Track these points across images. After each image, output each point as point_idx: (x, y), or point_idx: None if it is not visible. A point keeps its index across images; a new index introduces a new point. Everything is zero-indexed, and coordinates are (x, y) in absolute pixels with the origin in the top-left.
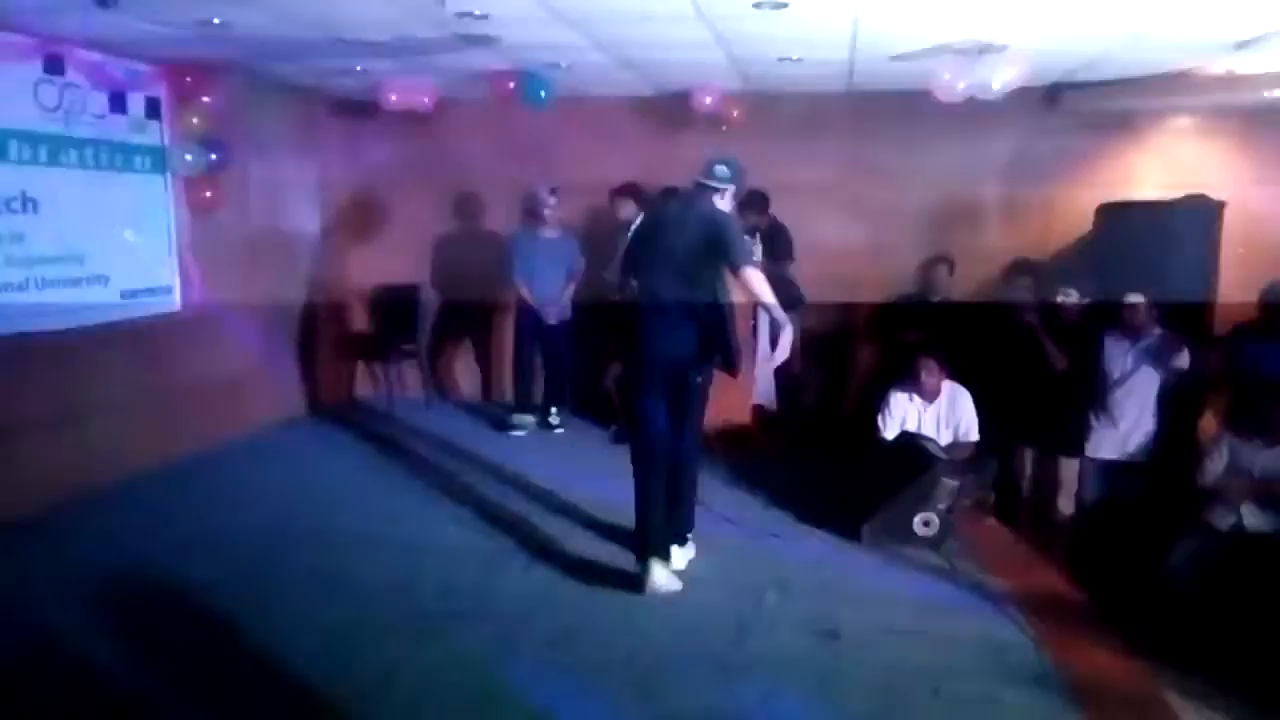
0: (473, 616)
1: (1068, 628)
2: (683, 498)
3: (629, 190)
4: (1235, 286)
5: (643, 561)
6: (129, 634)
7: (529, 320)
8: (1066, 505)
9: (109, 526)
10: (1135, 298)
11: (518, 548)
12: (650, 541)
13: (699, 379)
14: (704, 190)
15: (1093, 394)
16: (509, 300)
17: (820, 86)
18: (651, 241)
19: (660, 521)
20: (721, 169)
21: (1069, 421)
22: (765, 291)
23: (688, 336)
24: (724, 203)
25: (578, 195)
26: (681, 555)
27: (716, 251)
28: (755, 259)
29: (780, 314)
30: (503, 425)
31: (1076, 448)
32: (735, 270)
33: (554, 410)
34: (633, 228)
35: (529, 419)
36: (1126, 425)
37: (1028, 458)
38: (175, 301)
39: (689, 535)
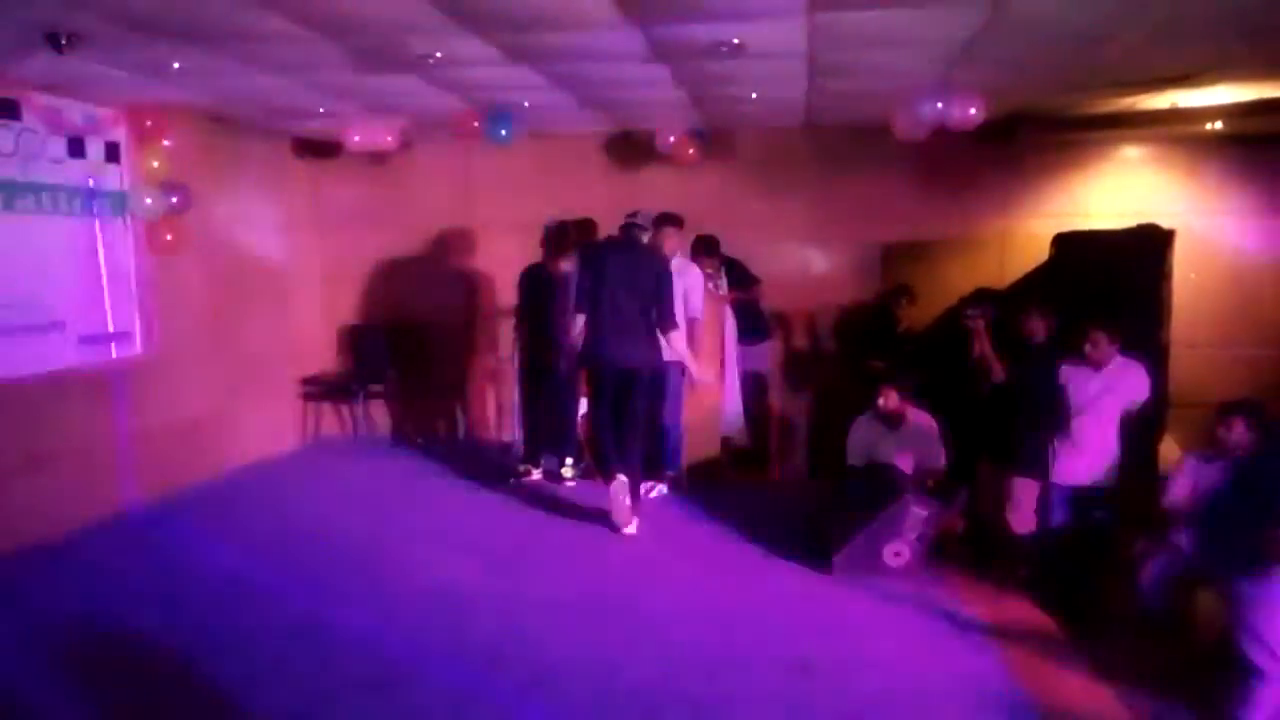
0: (443, 662)
1: (1041, 655)
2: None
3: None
4: (1186, 311)
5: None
6: (83, 685)
7: (546, 365)
8: (1018, 522)
9: (66, 576)
10: (1096, 330)
11: (489, 589)
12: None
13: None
14: (633, 228)
15: (1051, 418)
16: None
17: (779, 122)
18: (604, 270)
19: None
20: (646, 213)
21: (1020, 440)
22: (682, 349)
23: (639, 347)
24: (674, 243)
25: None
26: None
27: (658, 298)
28: (722, 292)
29: (690, 365)
30: (512, 474)
31: (1031, 468)
32: (664, 329)
33: (569, 462)
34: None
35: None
36: (1091, 451)
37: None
38: (136, 346)
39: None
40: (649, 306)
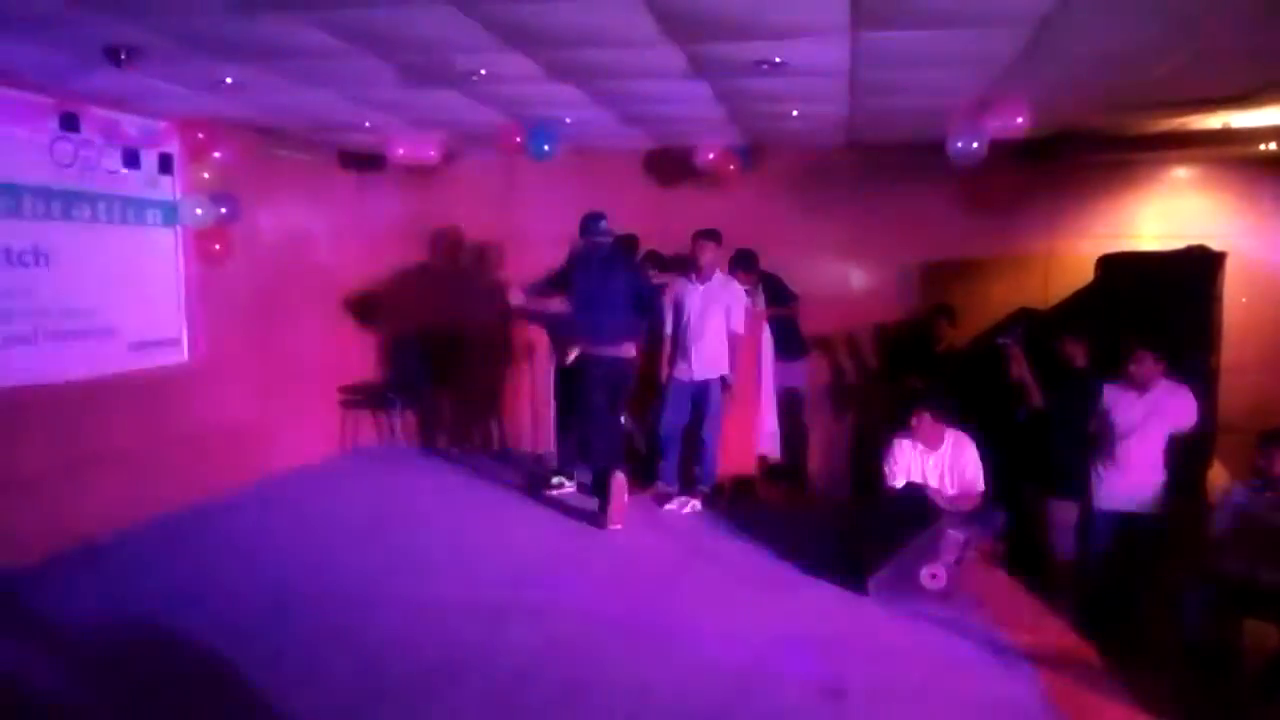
0: (475, 673)
1: (1079, 683)
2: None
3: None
4: (1236, 335)
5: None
6: (124, 687)
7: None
8: (1060, 547)
9: (110, 577)
10: (1141, 349)
11: (521, 600)
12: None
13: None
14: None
15: (1094, 443)
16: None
17: (820, 139)
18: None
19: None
20: (603, 223)
21: (1062, 465)
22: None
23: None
24: (711, 257)
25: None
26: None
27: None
28: (759, 308)
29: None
30: (544, 485)
31: (1074, 494)
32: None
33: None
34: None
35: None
36: (1136, 476)
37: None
38: (184, 353)
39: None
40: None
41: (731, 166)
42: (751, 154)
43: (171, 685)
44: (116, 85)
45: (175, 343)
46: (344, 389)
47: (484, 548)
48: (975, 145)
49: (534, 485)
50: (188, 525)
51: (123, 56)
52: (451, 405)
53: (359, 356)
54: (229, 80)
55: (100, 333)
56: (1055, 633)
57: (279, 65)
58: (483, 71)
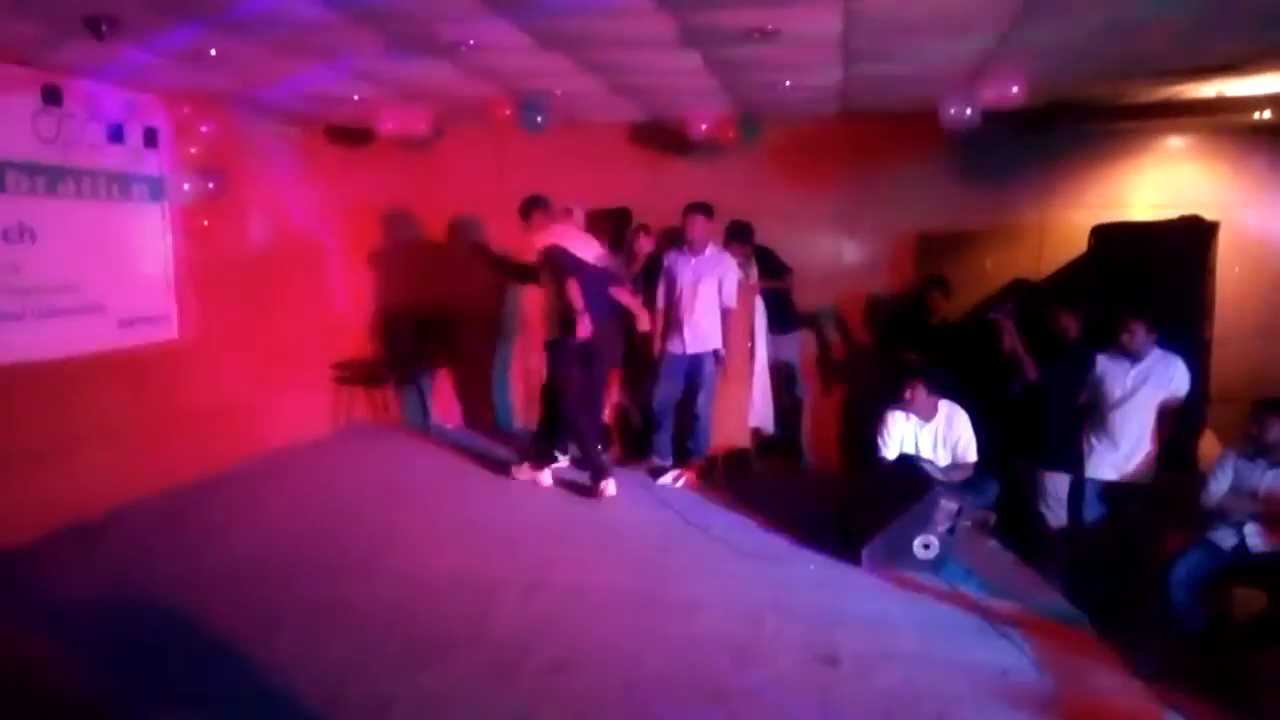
0: (469, 645)
1: (1070, 651)
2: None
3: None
4: (1230, 305)
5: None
6: (120, 663)
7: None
8: (1052, 518)
9: (104, 555)
10: (1134, 319)
11: (513, 574)
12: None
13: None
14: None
15: (1085, 413)
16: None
17: (813, 110)
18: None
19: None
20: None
21: (1055, 435)
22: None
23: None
24: (701, 230)
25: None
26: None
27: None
28: (752, 281)
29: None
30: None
31: (1066, 464)
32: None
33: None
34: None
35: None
36: (1127, 446)
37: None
38: (173, 329)
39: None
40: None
41: (732, 134)
42: (753, 124)
43: (167, 659)
44: (98, 57)
45: (165, 319)
46: (337, 365)
47: (477, 522)
48: (969, 112)
49: (527, 460)
50: (180, 502)
51: (104, 28)
52: (445, 381)
53: (351, 333)
54: (213, 52)
55: (88, 309)
56: (1046, 601)
57: (263, 35)
58: (471, 42)
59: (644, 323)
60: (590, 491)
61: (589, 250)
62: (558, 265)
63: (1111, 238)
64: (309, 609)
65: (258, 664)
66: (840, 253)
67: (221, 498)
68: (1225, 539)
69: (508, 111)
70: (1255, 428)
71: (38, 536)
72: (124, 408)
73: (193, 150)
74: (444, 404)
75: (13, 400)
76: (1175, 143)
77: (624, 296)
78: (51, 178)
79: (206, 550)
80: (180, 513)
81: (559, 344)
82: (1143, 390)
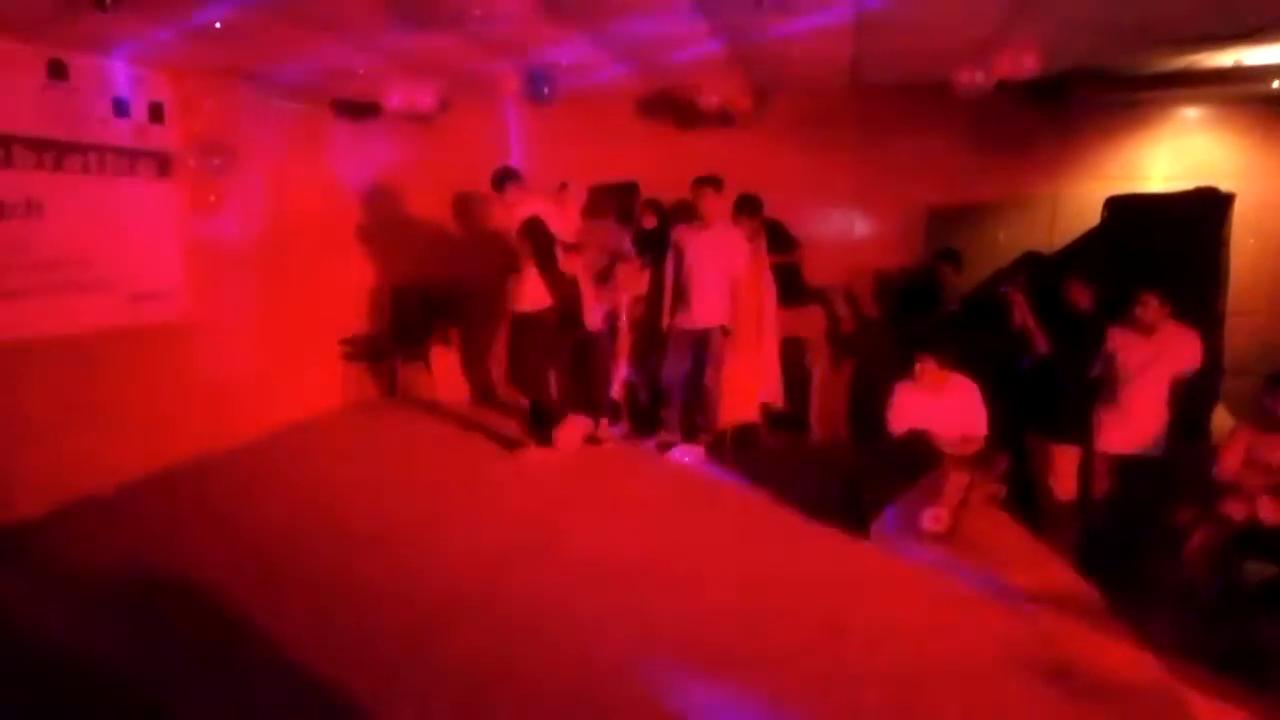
0: (480, 616)
1: (1081, 623)
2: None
3: None
4: (1245, 278)
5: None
6: (134, 632)
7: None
8: (1060, 490)
9: (114, 529)
10: (1147, 292)
11: (520, 547)
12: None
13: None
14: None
15: (1097, 386)
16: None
17: (824, 81)
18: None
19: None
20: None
21: (1066, 408)
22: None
23: None
24: (711, 204)
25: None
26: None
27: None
28: (761, 255)
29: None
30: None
31: (1077, 437)
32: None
33: (604, 423)
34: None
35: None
36: (1139, 419)
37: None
38: (183, 304)
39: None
40: None
41: (739, 108)
42: (753, 96)
43: (179, 633)
44: (103, 32)
45: (174, 294)
46: (345, 341)
47: (486, 495)
48: (981, 80)
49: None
50: (190, 477)
51: (107, 1)
52: (454, 356)
53: (360, 308)
54: (218, 25)
55: (97, 285)
56: (1057, 574)
57: (269, 7)
58: (477, 12)
59: (594, 320)
60: (548, 441)
61: (563, 224)
62: (538, 236)
63: (1126, 210)
64: (320, 581)
65: (269, 635)
66: (850, 226)
67: (231, 472)
68: (1237, 512)
69: (515, 84)
70: (1269, 400)
71: (48, 511)
72: (134, 382)
73: (199, 125)
74: (451, 378)
75: (23, 375)
76: (1191, 113)
77: (574, 265)
78: (59, 153)
79: (216, 524)
80: (190, 487)
81: (532, 316)
82: (1156, 364)
